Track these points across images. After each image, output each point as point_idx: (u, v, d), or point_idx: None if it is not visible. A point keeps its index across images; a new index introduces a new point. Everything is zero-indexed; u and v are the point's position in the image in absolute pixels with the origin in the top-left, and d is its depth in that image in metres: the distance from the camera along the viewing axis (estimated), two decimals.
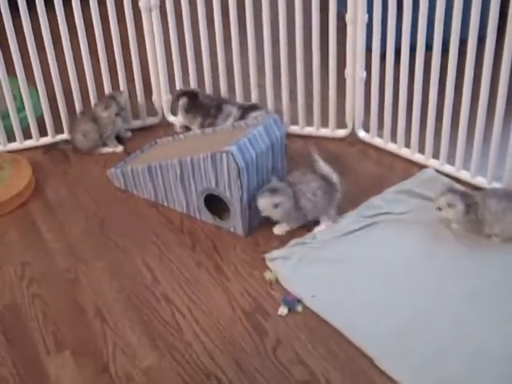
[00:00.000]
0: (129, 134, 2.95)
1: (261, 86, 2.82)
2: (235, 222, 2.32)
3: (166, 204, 2.50)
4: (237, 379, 1.85)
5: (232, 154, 2.17)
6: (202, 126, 2.80)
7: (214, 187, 2.29)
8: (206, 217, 2.40)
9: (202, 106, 2.83)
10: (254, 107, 2.74)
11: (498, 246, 2.20)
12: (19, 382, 1.88)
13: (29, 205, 2.57)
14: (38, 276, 2.24)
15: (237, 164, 2.17)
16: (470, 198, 2.21)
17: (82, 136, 2.82)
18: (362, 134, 2.82)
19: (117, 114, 2.83)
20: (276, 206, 2.23)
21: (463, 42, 2.32)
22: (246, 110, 2.73)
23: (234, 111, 2.75)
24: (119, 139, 2.91)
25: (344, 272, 2.15)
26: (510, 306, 2.00)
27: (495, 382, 1.78)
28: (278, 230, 2.34)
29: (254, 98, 2.85)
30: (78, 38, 2.73)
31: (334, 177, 2.33)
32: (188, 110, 2.87)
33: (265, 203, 2.24)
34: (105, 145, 2.87)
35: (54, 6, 2.63)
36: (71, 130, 2.86)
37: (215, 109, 2.79)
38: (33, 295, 2.16)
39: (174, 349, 1.95)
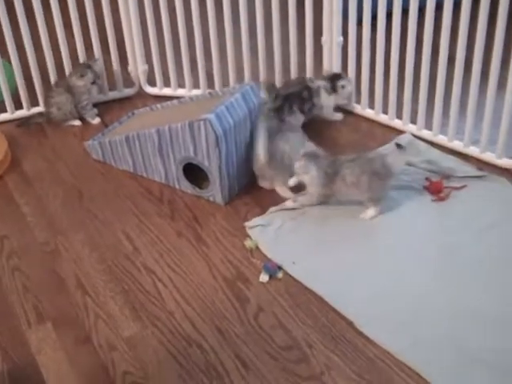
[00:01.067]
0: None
1: (238, 56, 2.80)
2: (214, 191, 2.31)
3: (144, 175, 2.49)
4: (219, 346, 1.86)
5: (210, 122, 2.16)
6: (303, 112, 2.64)
7: (192, 156, 2.28)
8: (185, 186, 2.39)
9: (290, 97, 2.62)
10: (337, 76, 2.68)
11: (473, 209, 2.22)
12: (1, 354, 1.88)
13: (5, 178, 2.55)
14: (17, 249, 2.23)
15: (215, 132, 2.16)
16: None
17: (57, 108, 2.78)
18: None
19: (93, 83, 2.79)
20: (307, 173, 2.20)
21: (439, 7, 2.31)
22: (331, 80, 2.66)
23: (323, 84, 2.67)
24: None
25: (324, 238, 2.16)
26: (483, 268, 2.02)
27: (472, 340, 1.81)
28: (280, 190, 2.36)
29: (231, 65, 2.82)
30: (50, 8, 2.69)
31: (389, 160, 2.21)
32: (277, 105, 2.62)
33: (300, 167, 2.21)
34: (81, 116, 2.84)
35: None
36: (45, 103, 2.83)
37: (306, 91, 2.65)
38: (13, 268, 2.15)
39: (156, 318, 1.95)
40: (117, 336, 1.91)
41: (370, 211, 2.22)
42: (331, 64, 2.73)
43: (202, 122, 2.17)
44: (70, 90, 2.77)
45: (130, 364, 1.83)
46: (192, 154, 2.27)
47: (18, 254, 2.21)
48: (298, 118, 2.62)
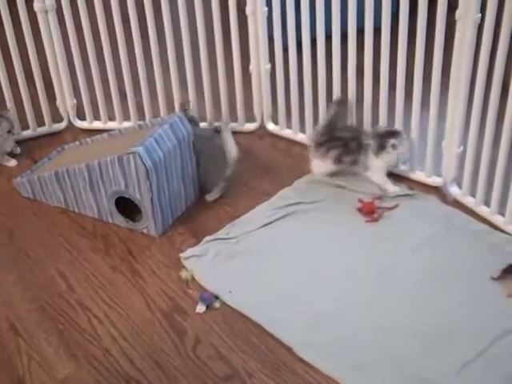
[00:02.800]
0: (18, 149, 2.83)
1: (167, 86, 2.80)
2: (148, 224, 2.29)
3: (77, 210, 2.45)
4: (158, 381, 1.82)
5: (139, 155, 2.14)
6: (338, 161, 2.43)
7: (123, 190, 2.25)
8: (119, 220, 2.36)
9: (339, 139, 2.44)
10: (391, 133, 2.39)
11: (406, 228, 2.25)
12: None
13: None
14: None
15: (144, 165, 2.14)
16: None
17: None
18: (270, 126, 2.83)
19: (8, 132, 2.72)
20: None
21: (360, 31, 2.36)
22: (382, 137, 2.39)
23: (372, 143, 2.41)
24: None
25: (259, 265, 2.15)
26: (417, 285, 2.05)
27: (412, 359, 1.82)
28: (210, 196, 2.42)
29: (160, 95, 2.81)
30: None
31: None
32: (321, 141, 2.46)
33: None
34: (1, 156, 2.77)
35: None
36: None
37: (355, 143, 2.41)
38: None
39: (92, 356, 1.91)
40: (51, 378, 1.85)
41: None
42: (260, 91, 2.75)
43: (131, 156, 2.15)
44: None
45: None
46: (123, 187, 2.25)
47: None
48: (321, 163, 2.46)
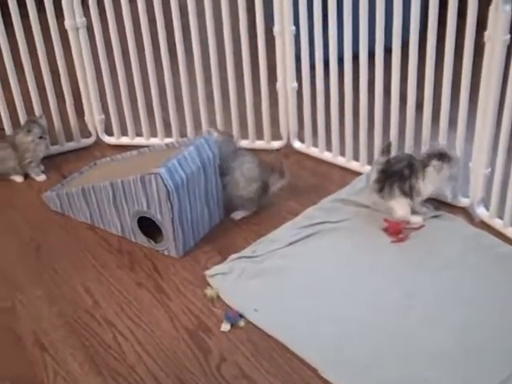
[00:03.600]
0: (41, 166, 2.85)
1: (194, 104, 2.82)
2: (168, 245, 2.29)
3: (102, 227, 2.47)
4: None
5: (160, 176, 2.15)
6: (404, 194, 2.31)
7: (145, 210, 2.27)
8: (141, 239, 2.37)
9: (395, 172, 2.33)
10: (439, 156, 2.26)
11: (431, 249, 2.24)
12: None
13: None
14: None
15: (166, 186, 2.15)
16: None
17: (1, 162, 2.75)
18: (297, 144, 2.84)
19: (40, 137, 2.74)
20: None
21: (388, 50, 2.37)
22: (427, 159, 2.28)
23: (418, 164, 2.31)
24: None
25: (284, 284, 2.15)
26: (441, 307, 2.03)
27: (435, 380, 1.80)
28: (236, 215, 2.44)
29: (187, 112, 2.83)
30: (3, 61, 2.69)
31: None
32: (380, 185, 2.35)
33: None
34: (25, 172, 2.80)
35: None
36: None
37: (408, 169, 2.31)
38: None
39: (117, 373, 1.92)
40: None
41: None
42: (287, 109, 2.76)
43: (152, 176, 2.16)
44: (14, 146, 2.74)
45: None
46: (145, 207, 2.26)
47: None
48: (401, 204, 2.33)
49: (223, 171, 2.40)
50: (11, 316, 2.13)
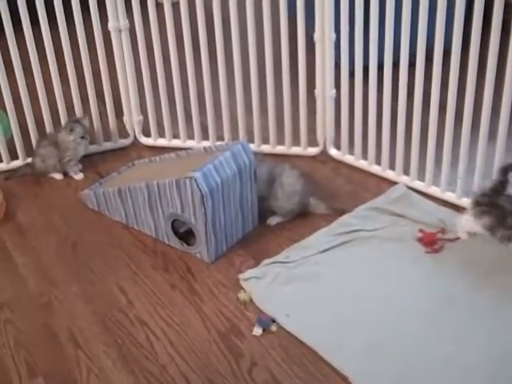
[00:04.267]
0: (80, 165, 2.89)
1: (232, 109, 2.83)
2: (201, 248, 2.31)
3: (136, 227, 2.50)
4: None
5: (195, 181, 2.16)
6: (490, 231, 2.22)
7: (179, 213, 2.28)
8: (174, 242, 2.39)
9: (499, 207, 2.20)
10: None
11: (466, 262, 2.23)
12: None
13: (0, 229, 2.55)
14: (9, 301, 2.21)
15: (200, 190, 2.16)
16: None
17: (41, 160, 2.80)
18: (333, 151, 2.84)
19: (82, 137, 2.79)
20: None
21: (429, 57, 2.35)
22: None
23: None
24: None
25: (317, 291, 2.15)
26: (473, 321, 2.02)
27: None
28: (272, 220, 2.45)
29: (225, 117, 2.85)
30: (47, 61, 2.73)
31: None
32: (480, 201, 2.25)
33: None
34: (64, 170, 2.84)
35: (22, 30, 2.63)
36: (33, 154, 2.84)
37: (501, 185, 2.21)
38: (4, 321, 2.13)
39: (149, 372, 1.94)
40: None
41: None
42: (324, 116, 2.76)
43: (188, 180, 2.18)
44: (56, 144, 2.79)
45: None
46: (179, 210, 2.27)
47: (10, 306, 2.19)
48: (476, 226, 2.25)
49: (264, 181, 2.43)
50: (47, 312, 2.17)
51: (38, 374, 1.95)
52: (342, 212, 2.48)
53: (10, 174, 2.85)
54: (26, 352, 2.02)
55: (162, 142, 3.01)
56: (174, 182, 2.23)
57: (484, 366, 1.87)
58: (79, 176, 2.84)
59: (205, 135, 2.93)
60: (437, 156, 2.49)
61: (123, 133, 3.02)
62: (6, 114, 2.81)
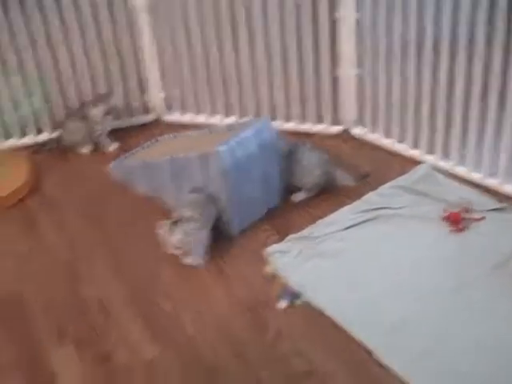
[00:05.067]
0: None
1: (256, 87, 2.84)
2: (224, 223, 2.32)
3: (161, 200, 2.52)
4: (238, 371, 1.87)
5: (219, 155, 2.18)
6: None
7: (203, 187, 2.31)
8: None
9: None
10: None
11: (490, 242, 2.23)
12: (23, 371, 1.90)
13: (28, 200, 2.59)
14: (38, 269, 2.25)
15: (223, 165, 2.18)
16: None
17: (69, 134, 2.83)
18: (356, 130, 2.85)
19: (106, 114, 2.83)
20: None
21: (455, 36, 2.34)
22: None
23: None
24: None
25: (342, 266, 2.17)
26: (495, 301, 2.02)
27: (495, 371, 1.81)
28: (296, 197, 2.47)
29: (249, 95, 2.86)
30: (73, 37, 2.76)
31: None
32: None
33: None
34: (95, 143, 2.88)
35: (47, 8, 2.66)
36: (61, 128, 2.87)
37: None
38: (34, 287, 2.17)
39: (176, 342, 1.97)
40: (137, 358, 1.92)
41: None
42: (348, 94, 2.77)
43: (211, 155, 2.20)
44: (84, 118, 2.82)
45: None
46: (203, 184, 2.30)
47: (39, 273, 2.23)
48: None
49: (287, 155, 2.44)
50: (76, 281, 2.20)
51: (67, 339, 1.99)
52: (366, 175, 2.51)
53: (37, 147, 2.88)
54: (56, 318, 2.06)
55: (185, 118, 3.03)
56: (198, 156, 2.25)
57: (507, 345, 1.88)
58: (113, 147, 2.88)
59: (229, 112, 2.95)
60: (463, 135, 2.49)
61: (147, 109, 3.04)
62: (36, 88, 2.84)
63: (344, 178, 2.50)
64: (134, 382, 1.85)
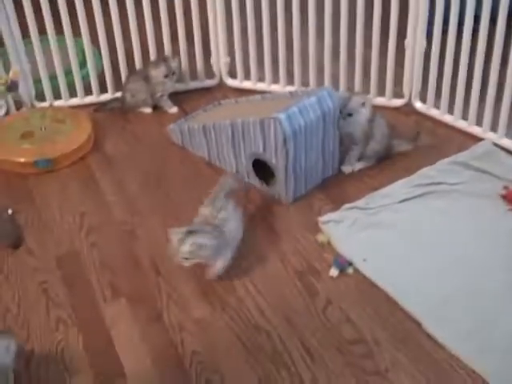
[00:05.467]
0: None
1: (319, 56, 2.83)
2: (279, 189, 2.34)
3: (218, 164, 2.55)
4: (286, 336, 1.89)
5: (279, 122, 2.18)
6: None
7: (261, 152, 2.32)
8: (254, 181, 2.43)
9: None
10: None
11: None
12: (77, 325, 1.96)
13: (88, 158, 2.65)
14: (96, 226, 2.31)
15: (283, 132, 2.19)
16: None
17: (131, 95, 2.88)
18: (418, 104, 2.81)
19: (165, 76, 2.85)
20: None
21: None
22: None
23: None
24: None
25: (395, 238, 2.17)
26: None
27: None
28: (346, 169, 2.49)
29: (312, 64, 2.85)
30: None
31: None
32: None
33: None
34: (156, 105, 2.91)
35: None
36: (123, 88, 2.92)
37: None
38: (91, 244, 2.23)
39: (226, 303, 2.00)
40: (187, 317, 1.96)
41: None
42: (412, 68, 2.73)
43: (272, 121, 2.20)
44: (146, 79, 2.85)
45: (199, 345, 1.88)
46: (261, 150, 2.31)
47: (96, 230, 2.29)
48: None
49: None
50: (131, 239, 2.25)
51: (120, 295, 2.04)
52: (418, 134, 2.53)
53: (99, 106, 2.94)
54: (110, 274, 2.12)
55: (247, 84, 3.04)
56: (258, 121, 2.26)
57: None
58: (174, 109, 2.91)
59: (290, 80, 2.94)
60: None
61: (210, 73, 3.06)
62: (98, 49, 2.88)
63: (401, 145, 2.51)
64: (184, 340, 1.89)
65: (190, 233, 1.96)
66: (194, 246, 1.95)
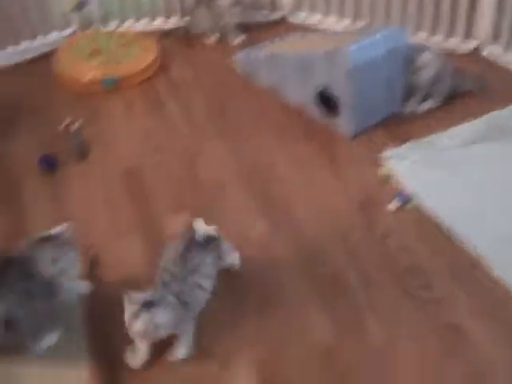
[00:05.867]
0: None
1: None
2: (342, 122, 2.34)
3: (283, 95, 2.54)
4: (345, 261, 1.91)
5: (347, 54, 2.16)
6: None
7: (327, 84, 2.31)
8: (319, 112, 2.43)
9: None
10: None
11: None
12: (140, 233, 1.99)
13: (154, 80, 2.68)
14: (162, 145, 2.35)
15: (351, 64, 2.17)
16: None
17: (196, 23, 2.88)
18: (490, 48, 2.75)
19: (235, 4, 2.84)
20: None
21: None
22: None
23: None
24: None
25: (459, 177, 2.16)
26: None
27: None
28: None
29: (380, 1, 2.80)
30: None
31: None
32: None
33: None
34: (223, 34, 2.91)
35: None
36: (189, 17, 2.93)
37: None
38: (157, 162, 2.27)
39: (286, 223, 2.02)
40: (246, 235, 1.97)
41: None
42: (487, 10, 2.66)
43: (341, 52, 2.18)
44: (212, 8, 2.85)
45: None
46: (327, 82, 2.29)
47: (162, 149, 2.33)
48: None
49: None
50: (195, 160, 2.28)
51: (185, 208, 2.05)
52: (483, 77, 2.51)
53: (166, 32, 2.95)
54: (174, 192, 2.14)
55: (312, 20, 3.01)
56: (325, 53, 2.24)
57: None
58: (238, 40, 2.91)
59: (357, 18, 2.90)
60: None
61: (275, 6, 3.04)
62: None
63: (467, 85, 2.49)
64: (245, 253, 1.88)
65: (147, 306, 1.54)
66: (150, 325, 1.55)
